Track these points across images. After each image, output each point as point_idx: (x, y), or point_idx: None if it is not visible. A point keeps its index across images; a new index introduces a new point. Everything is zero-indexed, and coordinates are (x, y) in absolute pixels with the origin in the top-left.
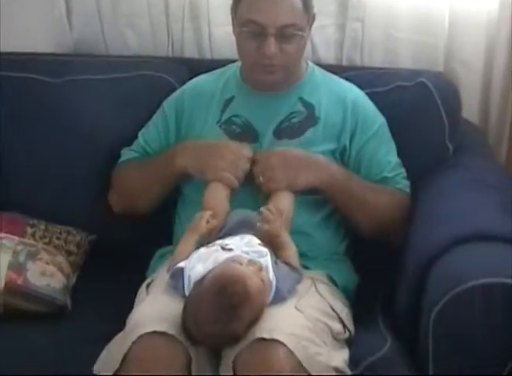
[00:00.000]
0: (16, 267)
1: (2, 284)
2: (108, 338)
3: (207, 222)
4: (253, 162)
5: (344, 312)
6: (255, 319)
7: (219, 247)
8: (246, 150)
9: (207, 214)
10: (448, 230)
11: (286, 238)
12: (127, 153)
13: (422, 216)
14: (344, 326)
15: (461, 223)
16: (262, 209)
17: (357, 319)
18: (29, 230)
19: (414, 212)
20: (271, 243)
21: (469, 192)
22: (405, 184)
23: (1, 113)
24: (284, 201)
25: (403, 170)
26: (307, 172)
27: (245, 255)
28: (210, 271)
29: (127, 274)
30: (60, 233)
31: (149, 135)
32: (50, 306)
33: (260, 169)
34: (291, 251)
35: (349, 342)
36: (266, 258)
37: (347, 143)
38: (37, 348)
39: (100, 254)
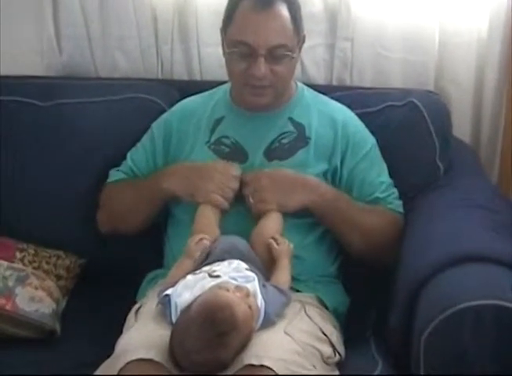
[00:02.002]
0: (5, 292)
1: None
2: (97, 364)
3: (200, 240)
4: (242, 182)
5: (335, 335)
6: (243, 346)
7: (206, 274)
8: (234, 169)
9: (199, 237)
10: (439, 252)
11: (286, 263)
12: (115, 174)
13: (412, 237)
14: (335, 349)
15: (452, 244)
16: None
17: (348, 341)
18: (18, 255)
19: (404, 233)
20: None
21: (460, 212)
22: (397, 204)
23: None
24: (273, 223)
25: (395, 190)
26: (298, 193)
27: (232, 281)
28: (196, 298)
29: (117, 298)
30: (50, 257)
31: (137, 156)
32: (39, 332)
33: (250, 190)
34: (284, 277)
35: (340, 366)
36: (254, 283)
37: (339, 164)
38: (25, 373)
39: (90, 278)
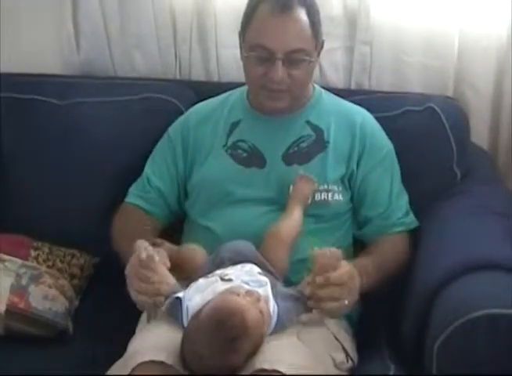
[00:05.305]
0: (18, 290)
1: (4, 307)
2: (109, 364)
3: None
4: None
5: (347, 341)
6: (254, 351)
7: (218, 278)
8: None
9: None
10: (454, 259)
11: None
12: (132, 196)
13: (427, 244)
14: (347, 355)
15: (467, 252)
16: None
17: (360, 347)
18: (33, 253)
19: (420, 240)
20: None
21: (476, 219)
22: (406, 223)
23: (7, 135)
24: (296, 217)
25: (405, 201)
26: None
27: (244, 285)
28: (207, 302)
29: (130, 298)
30: (64, 256)
31: (156, 165)
32: (51, 330)
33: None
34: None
35: (352, 372)
36: (266, 288)
37: (355, 167)
38: (37, 372)
39: (104, 277)
